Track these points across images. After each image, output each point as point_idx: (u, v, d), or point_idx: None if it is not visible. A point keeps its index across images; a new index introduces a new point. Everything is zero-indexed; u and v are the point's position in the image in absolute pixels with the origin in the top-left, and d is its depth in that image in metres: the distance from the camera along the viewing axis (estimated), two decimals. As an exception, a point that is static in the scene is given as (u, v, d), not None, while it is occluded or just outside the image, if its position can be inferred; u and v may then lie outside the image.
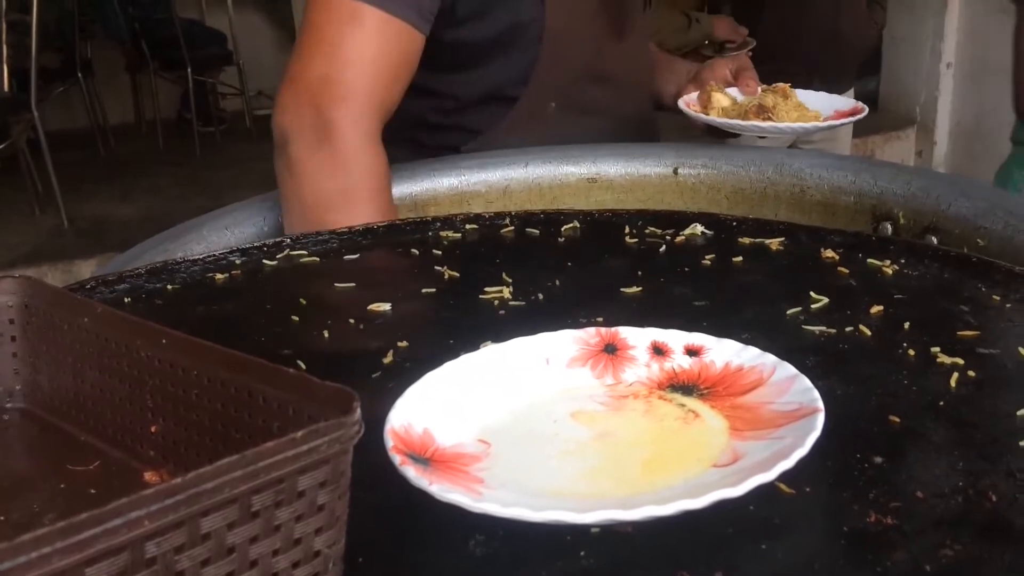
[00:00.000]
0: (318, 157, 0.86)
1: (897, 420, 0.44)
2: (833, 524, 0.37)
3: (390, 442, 0.41)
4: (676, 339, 0.50)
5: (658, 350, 0.50)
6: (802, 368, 0.45)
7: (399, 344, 0.56)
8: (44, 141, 3.79)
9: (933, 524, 0.36)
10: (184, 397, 0.40)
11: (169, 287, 0.66)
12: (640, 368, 0.50)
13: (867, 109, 1.04)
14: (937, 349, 0.50)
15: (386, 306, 0.62)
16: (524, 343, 0.51)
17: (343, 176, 0.86)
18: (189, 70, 5.10)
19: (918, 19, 3.88)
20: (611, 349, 0.51)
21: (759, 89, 1.07)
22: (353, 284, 0.66)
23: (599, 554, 0.36)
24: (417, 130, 1.05)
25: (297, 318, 0.61)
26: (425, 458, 0.41)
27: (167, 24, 4.96)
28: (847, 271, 0.62)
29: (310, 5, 0.89)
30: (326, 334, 0.59)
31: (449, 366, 0.48)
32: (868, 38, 2.45)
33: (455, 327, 0.59)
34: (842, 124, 1.03)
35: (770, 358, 0.46)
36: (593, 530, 0.37)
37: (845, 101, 1.08)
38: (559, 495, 0.39)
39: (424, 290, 0.65)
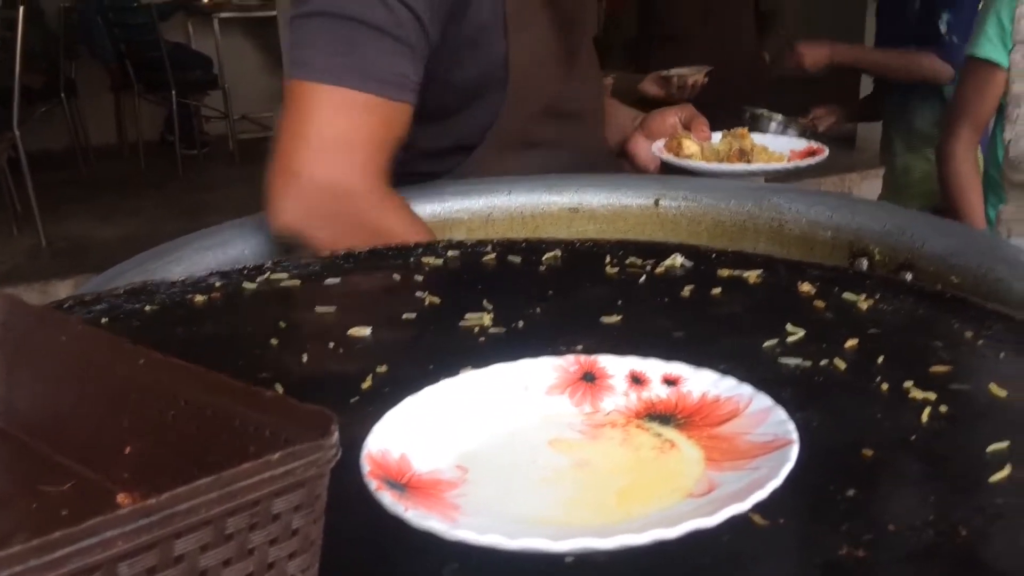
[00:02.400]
0: (338, 227, 0.85)
1: (870, 453, 0.44)
2: (806, 556, 0.37)
3: (367, 467, 0.41)
4: (654, 368, 0.51)
5: (636, 379, 0.50)
6: (778, 400, 0.45)
7: (378, 369, 0.56)
8: (24, 161, 3.77)
9: (905, 557, 0.37)
10: (160, 418, 0.40)
11: (148, 308, 0.66)
12: (618, 397, 0.50)
13: (827, 150, 1.07)
14: (910, 384, 0.51)
15: (366, 331, 0.62)
16: (504, 369, 0.51)
17: (369, 232, 0.84)
18: (174, 93, 5.10)
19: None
20: (590, 377, 0.51)
21: (713, 135, 1.11)
22: (333, 308, 0.66)
23: (574, 582, 0.36)
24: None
25: (276, 341, 0.61)
26: (402, 484, 0.41)
27: (153, 46, 4.97)
28: (823, 304, 0.63)
29: (291, 94, 0.87)
30: (305, 358, 0.59)
31: (428, 391, 0.48)
32: (761, 72, 2.54)
33: (435, 353, 0.59)
34: (809, 165, 1.06)
35: (747, 389, 0.47)
36: (568, 559, 0.37)
37: (796, 141, 1.12)
38: (535, 523, 0.39)
39: (404, 315, 0.65)
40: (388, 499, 0.38)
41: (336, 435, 0.32)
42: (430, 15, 0.90)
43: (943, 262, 0.78)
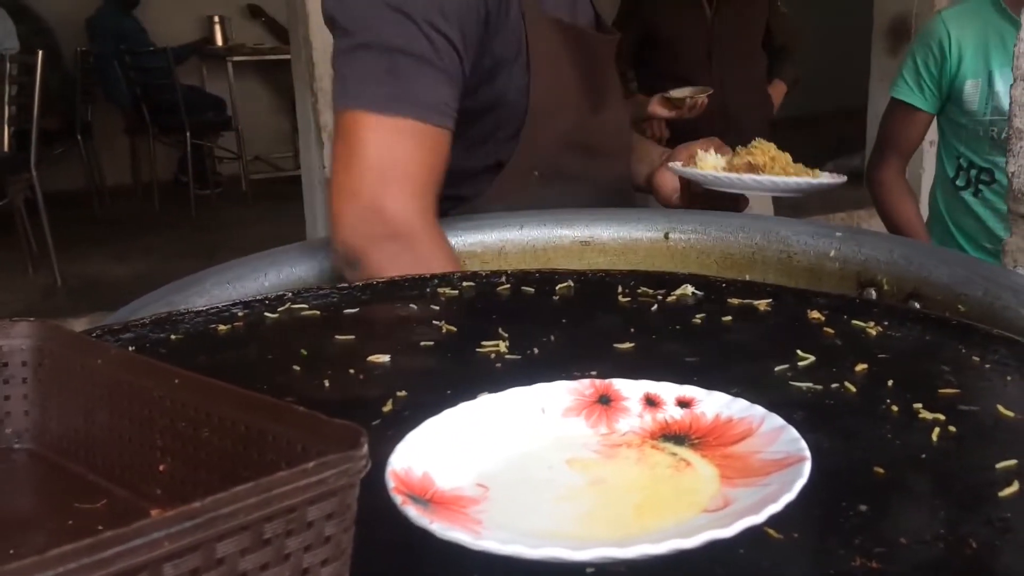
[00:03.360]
0: (392, 251, 0.90)
1: (881, 471, 0.46)
2: (820, 568, 0.38)
3: (391, 483, 0.42)
4: (668, 391, 0.52)
5: (650, 401, 0.52)
6: (789, 422, 0.46)
7: (398, 393, 0.58)
8: (41, 201, 3.82)
9: (916, 568, 0.38)
10: (194, 436, 0.41)
11: (173, 337, 0.68)
12: (633, 418, 0.51)
13: (844, 177, 1.08)
14: (919, 405, 0.52)
15: (385, 357, 0.64)
16: (520, 393, 0.52)
17: (418, 261, 0.89)
18: (188, 134, 5.18)
19: (901, 98, 3.99)
20: (605, 400, 0.52)
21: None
22: (353, 336, 0.68)
23: (594, 593, 0.37)
24: None
25: (298, 368, 0.62)
26: (425, 499, 0.42)
27: (168, 89, 5.06)
28: (832, 331, 0.65)
29: (343, 123, 0.93)
30: (327, 383, 0.60)
31: (448, 413, 0.50)
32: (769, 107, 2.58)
33: (453, 378, 0.60)
34: (823, 184, 1.06)
35: (759, 410, 0.48)
36: (588, 570, 0.38)
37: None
38: (555, 536, 0.40)
39: (422, 343, 0.67)
40: (413, 512, 0.40)
41: (366, 447, 0.34)
42: (463, 45, 0.95)
43: (950, 291, 0.79)
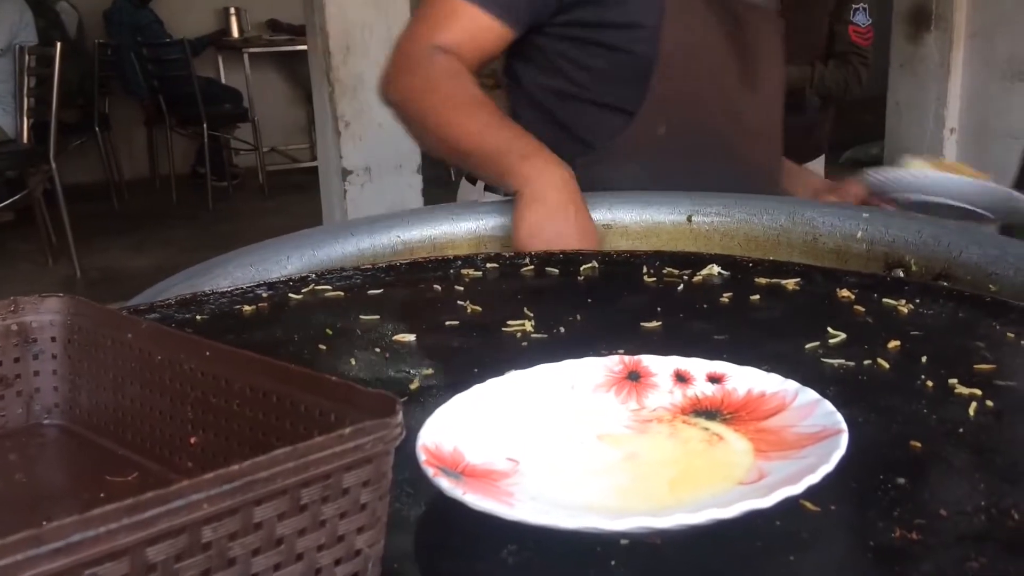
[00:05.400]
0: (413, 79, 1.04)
1: (918, 445, 0.45)
2: (859, 539, 0.38)
3: (422, 456, 0.42)
4: (698, 367, 0.51)
5: (681, 377, 0.51)
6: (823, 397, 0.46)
7: (425, 372, 0.58)
8: (60, 192, 3.85)
9: (957, 539, 0.37)
10: (225, 408, 0.41)
11: (198, 317, 0.68)
12: (663, 395, 0.51)
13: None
14: (955, 381, 0.51)
15: (411, 337, 0.63)
16: (549, 369, 0.52)
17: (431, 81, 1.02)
18: (205, 126, 5.20)
19: (921, 84, 3.95)
20: (635, 376, 0.52)
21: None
22: (378, 316, 0.68)
23: (630, 564, 0.37)
24: (555, 105, 1.13)
25: (324, 347, 0.62)
26: (457, 472, 0.42)
27: (185, 81, 5.08)
28: (863, 309, 0.64)
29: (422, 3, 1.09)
30: (353, 361, 0.60)
31: (476, 389, 0.49)
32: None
33: (479, 357, 0.60)
34: None
35: (792, 384, 0.47)
36: (623, 542, 0.38)
37: None
38: (590, 509, 0.40)
39: (447, 322, 0.66)
40: (446, 484, 0.39)
41: (400, 415, 0.34)
42: None
43: (980, 271, 0.78)
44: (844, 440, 0.41)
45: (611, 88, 1.08)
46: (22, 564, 0.24)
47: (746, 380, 0.50)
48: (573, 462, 0.45)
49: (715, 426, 0.47)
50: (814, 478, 0.38)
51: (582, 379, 0.52)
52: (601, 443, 0.47)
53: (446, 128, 1.01)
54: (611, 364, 0.53)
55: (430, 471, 0.41)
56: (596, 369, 0.52)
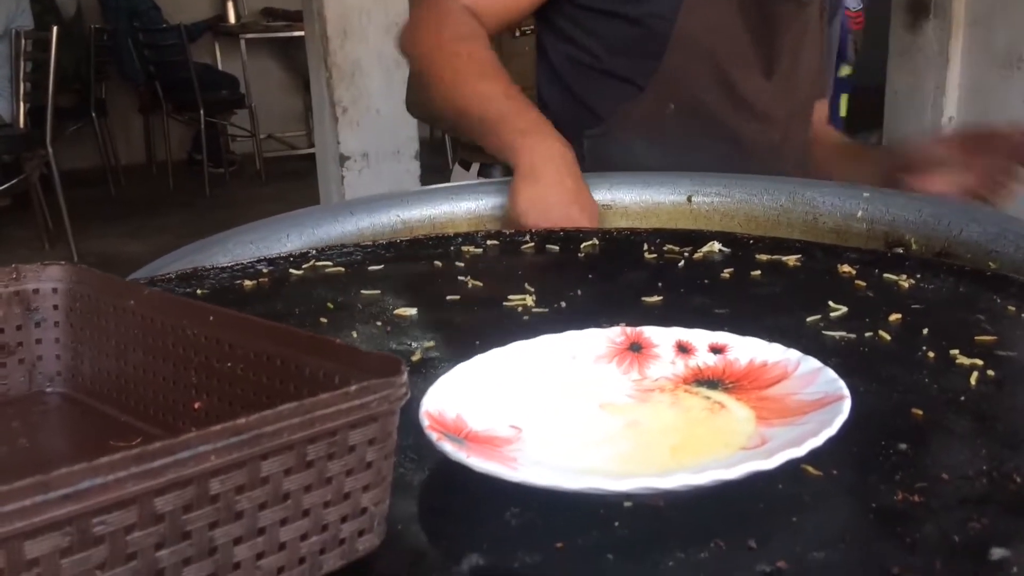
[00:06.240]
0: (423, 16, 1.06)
1: (920, 413, 0.45)
2: (861, 501, 0.38)
3: (426, 421, 0.42)
4: (700, 338, 0.52)
5: (683, 348, 0.51)
6: (824, 367, 0.46)
7: (426, 344, 0.58)
8: (57, 177, 3.84)
9: (959, 502, 0.37)
10: (229, 372, 0.41)
11: (199, 291, 0.68)
12: (665, 365, 0.51)
13: None
14: (956, 351, 0.51)
15: (412, 311, 0.63)
16: (551, 340, 0.52)
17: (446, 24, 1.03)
18: (202, 112, 5.18)
19: (919, 73, 3.94)
20: (636, 347, 0.52)
21: None
22: (379, 291, 0.68)
23: (633, 525, 0.37)
24: (569, 73, 1.14)
25: (325, 320, 0.62)
26: (460, 438, 0.42)
27: (182, 67, 5.05)
28: (864, 284, 0.64)
29: None
30: (354, 334, 0.60)
31: (479, 358, 0.49)
32: None
33: (480, 329, 0.60)
34: None
35: (794, 353, 0.48)
36: (626, 504, 0.38)
37: None
38: (592, 473, 0.40)
39: (448, 297, 0.66)
40: (449, 448, 0.39)
41: (406, 375, 0.34)
42: None
43: (980, 248, 0.78)
44: (847, 405, 0.41)
45: (625, 61, 1.08)
46: (30, 509, 0.24)
47: (748, 350, 0.50)
48: (575, 430, 0.45)
49: (717, 395, 0.47)
50: (817, 441, 0.38)
51: (584, 350, 0.52)
52: (603, 412, 0.47)
53: (459, 89, 1.00)
54: (613, 335, 0.53)
55: (433, 436, 0.41)
56: (598, 340, 0.52)
